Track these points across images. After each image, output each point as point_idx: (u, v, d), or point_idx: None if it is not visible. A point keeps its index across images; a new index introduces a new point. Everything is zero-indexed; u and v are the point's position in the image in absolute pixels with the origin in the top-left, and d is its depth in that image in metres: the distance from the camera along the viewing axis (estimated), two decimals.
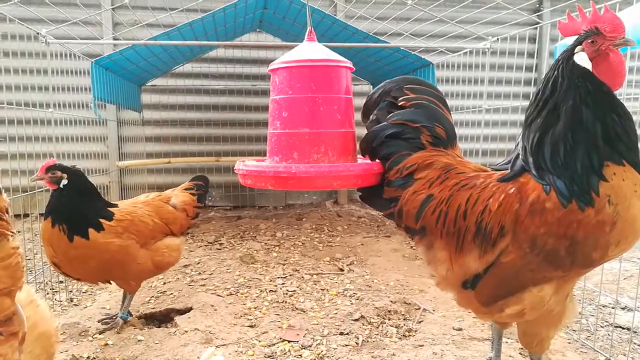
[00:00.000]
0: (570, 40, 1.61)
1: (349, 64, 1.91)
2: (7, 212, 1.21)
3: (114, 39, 5.47)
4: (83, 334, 2.73)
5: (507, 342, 2.49)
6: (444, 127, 1.80)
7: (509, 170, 1.64)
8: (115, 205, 2.74)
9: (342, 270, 3.88)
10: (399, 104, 1.82)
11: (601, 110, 1.48)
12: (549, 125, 1.53)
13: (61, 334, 2.70)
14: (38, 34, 3.29)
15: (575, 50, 1.53)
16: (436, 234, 1.70)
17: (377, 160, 1.84)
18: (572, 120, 1.48)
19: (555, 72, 1.55)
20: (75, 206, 2.51)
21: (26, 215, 4.02)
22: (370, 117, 1.90)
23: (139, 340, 2.64)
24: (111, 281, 2.81)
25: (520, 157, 1.62)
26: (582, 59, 1.52)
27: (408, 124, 1.78)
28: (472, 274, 1.63)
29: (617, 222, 1.42)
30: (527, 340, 1.70)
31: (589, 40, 1.51)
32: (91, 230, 2.51)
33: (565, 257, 1.47)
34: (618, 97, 1.54)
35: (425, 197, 1.71)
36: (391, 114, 1.82)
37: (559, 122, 1.51)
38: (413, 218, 1.73)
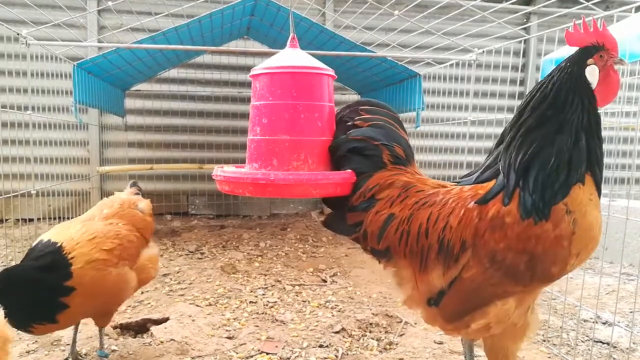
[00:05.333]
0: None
1: (331, 72, 1.88)
2: None
3: (98, 42, 5.40)
4: (55, 343, 2.65)
5: (484, 356, 2.46)
6: (402, 147, 1.79)
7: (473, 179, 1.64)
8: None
9: (324, 281, 3.83)
10: (356, 124, 1.80)
11: (592, 131, 1.49)
12: (548, 143, 1.49)
13: (33, 342, 2.62)
14: (18, 34, 3.22)
15: (588, 62, 1.51)
16: (400, 253, 1.68)
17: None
18: (576, 139, 1.47)
19: (568, 84, 1.50)
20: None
21: (0, 221, 3.92)
22: None
23: (112, 351, 2.57)
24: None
25: (501, 166, 1.58)
26: (593, 73, 1.51)
27: (368, 140, 1.76)
28: (436, 290, 1.62)
29: (576, 231, 1.42)
30: (493, 354, 1.69)
31: (599, 55, 1.50)
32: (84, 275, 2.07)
33: (525, 272, 1.47)
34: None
35: (386, 217, 1.69)
36: (351, 130, 1.80)
37: (557, 141, 1.48)
38: (376, 238, 1.71)
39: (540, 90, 1.54)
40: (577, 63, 1.52)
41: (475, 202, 1.55)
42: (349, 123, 1.82)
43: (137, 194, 2.86)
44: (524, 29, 6.04)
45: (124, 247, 2.31)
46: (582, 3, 3.08)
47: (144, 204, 2.68)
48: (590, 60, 1.51)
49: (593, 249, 1.50)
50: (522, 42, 3.53)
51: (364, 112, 1.82)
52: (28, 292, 1.99)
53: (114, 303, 2.39)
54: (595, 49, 1.51)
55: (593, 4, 3.06)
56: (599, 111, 1.53)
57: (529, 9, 5.83)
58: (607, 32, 1.51)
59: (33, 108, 3.32)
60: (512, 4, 4.48)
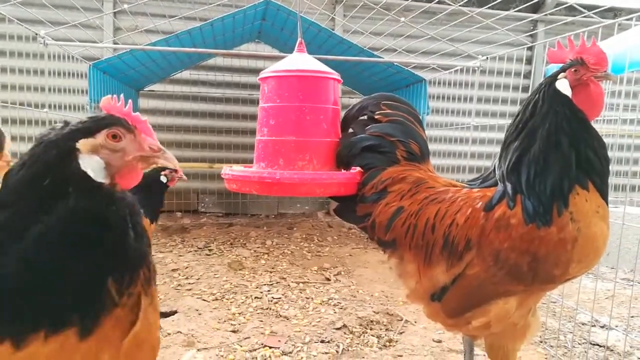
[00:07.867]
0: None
1: (337, 75, 1.96)
2: None
3: (114, 43, 5.53)
4: None
5: (484, 356, 2.52)
6: (418, 144, 1.86)
7: (478, 183, 1.71)
8: None
9: (328, 279, 3.91)
10: (376, 118, 1.87)
11: (577, 137, 1.52)
12: (526, 148, 1.57)
13: None
14: (37, 35, 3.34)
15: (558, 77, 1.59)
16: (405, 246, 1.74)
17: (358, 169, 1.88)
18: (548, 144, 1.53)
19: (537, 96, 1.60)
20: None
21: None
22: (348, 130, 1.96)
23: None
24: None
25: (497, 177, 1.66)
26: (563, 85, 1.57)
27: (385, 136, 1.83)
28: (439, 286, 1.67)
29: (579, 239, 1.46)
30: (493, 353, 1.73)
31: (572, 69, 1.57)
32: None
33: (527, 272, 1.51)
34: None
35: (395, 209, 1.75)
36: (369, 127, 1.87)
37: (535, 145, 1.55)
38: (384, 229, 1.77)
39: (518, 111, 1.67)
40: (550, 77, 1.61)
41: (482, 210, 1.60)
42: (368, 116, 1.89)
43: None
44: (531, 36, 6.08)
45: None
46: (589, 10, 3.14)
47: None
48: (561, 75, 1.58)
49: (594, 259, 1.53)
50: (528, 49, 3.58)
51: (385, 106, 1.88)
52: None
53: None
54: (570, 65, 1.57)
55: (600, 11, 3.12)
56: (583, 118, 1.55)
57: (536, 16, 5.86)
58: (592, 49, 1.56)
59: (50, 106, 3.43)
60: (519, 11, 4.54)
